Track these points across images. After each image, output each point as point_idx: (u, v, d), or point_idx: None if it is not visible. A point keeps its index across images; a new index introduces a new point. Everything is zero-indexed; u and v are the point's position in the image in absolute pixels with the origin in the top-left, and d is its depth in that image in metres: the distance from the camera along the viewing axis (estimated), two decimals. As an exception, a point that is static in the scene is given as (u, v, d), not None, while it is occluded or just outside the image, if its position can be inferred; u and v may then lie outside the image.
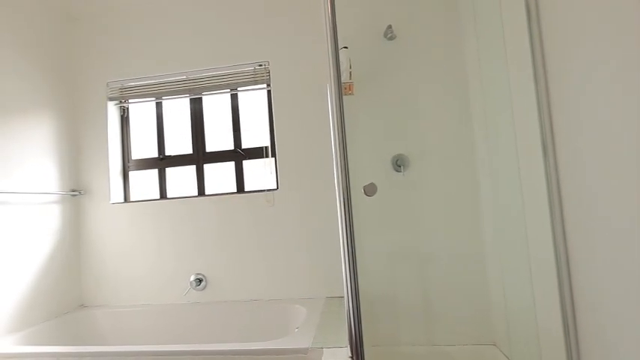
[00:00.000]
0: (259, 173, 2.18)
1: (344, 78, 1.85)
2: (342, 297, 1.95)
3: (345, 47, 1.86)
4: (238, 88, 2.17)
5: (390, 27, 1.93)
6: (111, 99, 2.24)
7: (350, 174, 1.99)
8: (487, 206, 1.81)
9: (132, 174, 2.30)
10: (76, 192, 2.15)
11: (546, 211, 1.26)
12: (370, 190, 1.28)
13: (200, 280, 2.07)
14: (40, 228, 1.95)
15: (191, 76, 2.18)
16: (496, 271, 1.75)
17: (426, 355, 1.87)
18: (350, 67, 1.89)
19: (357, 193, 2.00)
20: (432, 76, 1.95)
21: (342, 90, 1.33)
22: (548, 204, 1.25)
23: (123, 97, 2.25)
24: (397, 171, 1.98)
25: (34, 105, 1.96)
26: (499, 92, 1.58)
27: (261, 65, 2.11)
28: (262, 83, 2.13)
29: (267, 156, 2.15)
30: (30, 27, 1.98)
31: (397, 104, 1.99)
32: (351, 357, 1.29)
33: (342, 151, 1.29)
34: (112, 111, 2.26)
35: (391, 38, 1.97)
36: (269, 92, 2.15)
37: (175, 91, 2.21)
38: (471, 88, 1.89)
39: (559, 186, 1.22)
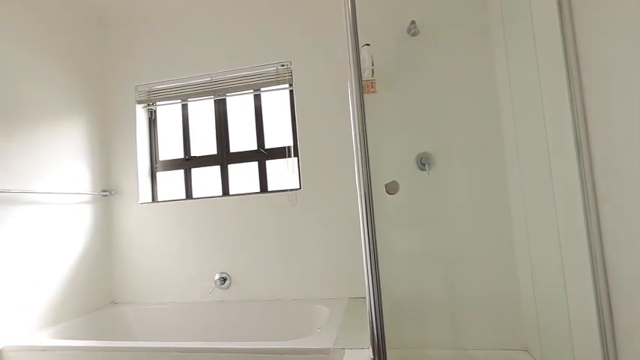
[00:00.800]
0: (282, 173, 2.19)
1: (366, 76, 1.82)
2: (365, 298, 1.92)
3: (368, 44, 1.84)
4: (261, 89, 2.19)
5: (413, 22, 1.89)
6: (139, 102, 2.32)
7: (373, 173, 1.97)
8: (517, 206, 1.73)
9: (159, 175, 2.36)
10: (107, 192, 2.23)
11: (580, 210, 1.19)
12: (392, 188, 1.25)
13: (224, 279, 2.10)
14: (73, 227, 2.04)
15: (215, 78, 2.22)
16: (526, 273, 1.68)
17: (453, 358, 1.81)
18: (372, 65, 1.86)
19: (380, 192, 1.97)
20: (457, 71, 1.90)
21: (362, 88, 1.32)
22: (583, 203, 1.18)
23: (150, 100, 2.32)
24: (422, 169, 1.93)
25: (67, 109, 2.06)
26: (528, 87, 1.51)
27: (283, 65, 2.12)
28: (285, 83, 2.14)
29: (289, 156, 2.16)
30: (64, 34, 2.07)
31: (421, 101, 1.94)
32: (373, 359, 1.26)
33: (363, 149, 1.27)
34: (141, 113, 2.34)
35: (414, 34, 1.93)
36: (291, 92, 2.16)
37: (200, 93, 2.25)
38: (499, 83, 1.82)
39: (594, 184, 1.15)
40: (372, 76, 1.84)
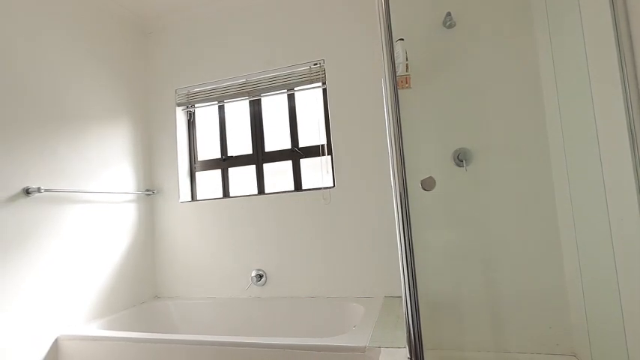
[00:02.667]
0: (316, 171, 2.20)
1: (400, 71, 1.80)
2: (401, 297, 1.89)
3: (401, 39, 1.82)
4: (295, 88, 2.22)
5: (449, 14, 1.84)
6: (179, 104, 2.42)
7: (408, 169, 1.94)
8: (563, 202, 1.64)
9: (198, 174, 2.45)
10: (150, 191, 2.35)
11: (635, 206, 1.11)
12: (428, 184, 1.22)
13: (260, 276, 2.14)
14: (120, 224, 2.16)
15: (250, 79, 2.27)
16: (575, 273, 1.58)
17: (494, 362, 1.74)
18: (407, 60, 1.83)
19: (416, 189, 1.94)
20: (497, 63, 1.83)
21: (396, 84, 1.30)
22: (638, 199, 1.09)
23: (189, 102, 2.41)
24: (459, 166, 1.88)
25: (113, 113, 2.18)
26: (576, 76, 1.43)
27: (316, 64, 2.14)
28: (318, 82, 2.15)
29: (323, 154, 2.17)
30: (110, 42, 2.20)
31: (458, 96, 1.89)
32: (410, 358, 1.24)
33: (397, 146, 1.25)
34: (180, 116, 2.44)
35: (450, 26, 1.88)
36: (324, 90, 2.17)
37: (236, 94, 2.32)
38: (543, 73, 1.73)
39: None
40: (407, 71, 1.81)
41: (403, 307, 1.25)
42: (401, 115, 1.99)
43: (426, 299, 1.87)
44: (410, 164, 1.94)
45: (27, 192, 1.68)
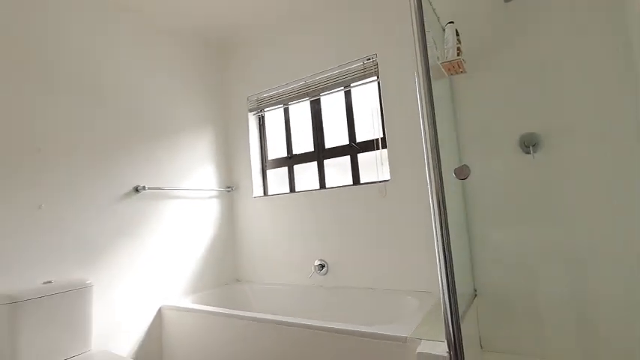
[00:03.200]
0: (372, 165, 2.23)
1: (450, 55, 1.71)
2: (462, 294, 1.80)
3: (451, 22, 1.72)
4: (351, 85, 2.28)
5: (506, -13, 1.68)
6: (250, 110, 2.70)
7: (469, 157, 1.83)
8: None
9: (268, 172, 2.70)
10: (229, 188, 2.68)
11: None
12: (461, 172, 1.16)
13: (322, 266, 2.26)
14: (206, 216, 2.52)
15: (309, 81, 2.41)
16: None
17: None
18: (459, 43, 1.73)
19: (475, 180, 1.82)
20: (570, 36, 1.60)
21: (429, 73, 1.26)
22: None
23: (259, 108, 2.67)
24: (526, 152, 1.70)
25: (196, 122, 2.56)
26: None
27: (369, 59, 2.16)
28: (372, 76, 2.17)
29: (379, 148, 2.18)
30: (189, 59, 2.59)
31: (522, 77, 1.71)
32: (449, 352, 1.21)
33: (432, 136, 1.23)
34: (252, 120, 2.72)
35: (510, 0, 1.71)
36: (378, 84, 2.18)
37: (298, 96, 2.48)
38: (636, 43, 1.45)
39: None
40: (459, 55, 1.71)
41: (441, 301, 1.23)
42: (456, 103, 1.90)
43: (486, 299, 1.75)
44: (469, 151, 1.83)
45: (136, 189, 2.11)
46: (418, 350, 1.28)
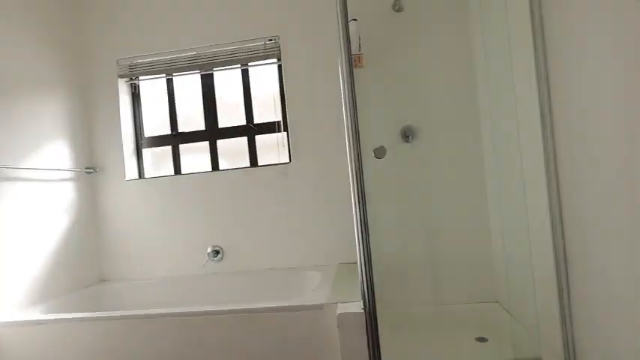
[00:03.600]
0: (272, 147, 2.24)
1: (353, 50, 1.89)
2: (355, 263, 2.04)
3: (355, 19, 1.90)
4: (249, 64, 2.20)
5: (398, -2, 1.97)
6: (121, 76, 2.25)
7: (361, 146, 2.06)
8: (490, 178, 1.90)
9: (145, 151, 2.33)
10: (90, 169, 2.18)
11: (544, 183, 1.37)
12: (380, 152, 1.35)
13: (217, 252, 2.14)
14: (56, 204, 1.99)
15: (201, 52, 2.20)
16: (498, 237, 1.86)
17: (433, 313, 1.98)
18: (359, 39, 1.93)
19: (369, 164, 2.08)
20: (437, 48, 2.01)
21: (352, 62, 1.39)
22: (546, 176, 1.35)
23: (133, 74, 2.26)
24: (406, 142, 2.05)
25: (44, 83, 1.97)
26: (502, 65, 1.65)
27: (271, 40, 2.14)
28: (273, 58, 2.16)
29: (279, 130, 2.20)
30: (39, 3, 1.97)
31: (405, 77, 2.04)
32: (364, 308, 1.37)
33: (353, 122, 1.36)
34: (123, 88, 2.28)
35: (399, 10, 2.02)
36: (279, 67, 2.19)
37: (186, 68, 2.23)
38: (476, 60, 1.95)
39: (555, 152, 1.32)
40: (359, 51, 1.91)
41: (357, 261, 1.37)
42: (355, 95, 2.10)
43: (379, 265, 2.05)
44: (362, 141, 2.07)
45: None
46: (339, 312, 1.40)
